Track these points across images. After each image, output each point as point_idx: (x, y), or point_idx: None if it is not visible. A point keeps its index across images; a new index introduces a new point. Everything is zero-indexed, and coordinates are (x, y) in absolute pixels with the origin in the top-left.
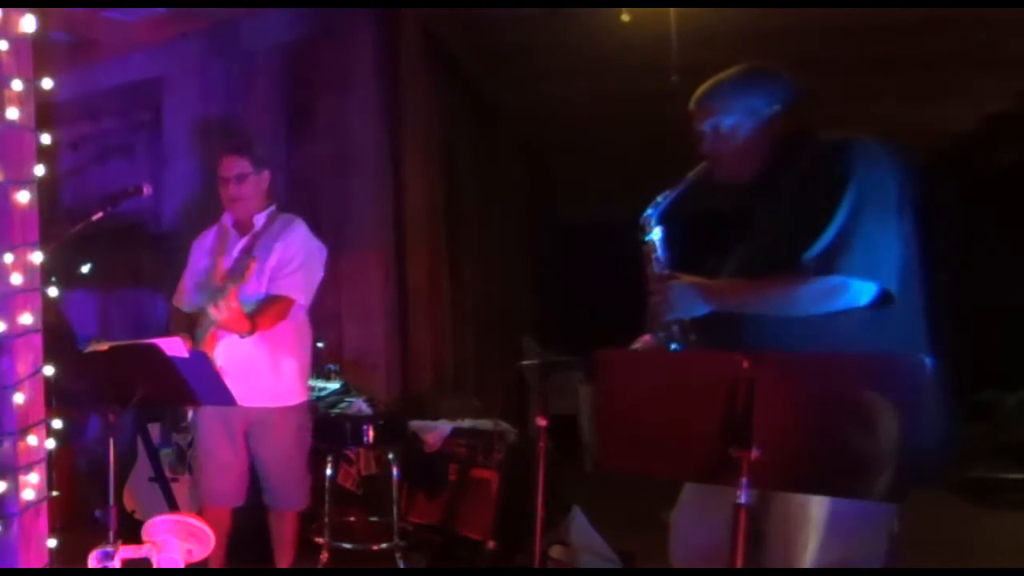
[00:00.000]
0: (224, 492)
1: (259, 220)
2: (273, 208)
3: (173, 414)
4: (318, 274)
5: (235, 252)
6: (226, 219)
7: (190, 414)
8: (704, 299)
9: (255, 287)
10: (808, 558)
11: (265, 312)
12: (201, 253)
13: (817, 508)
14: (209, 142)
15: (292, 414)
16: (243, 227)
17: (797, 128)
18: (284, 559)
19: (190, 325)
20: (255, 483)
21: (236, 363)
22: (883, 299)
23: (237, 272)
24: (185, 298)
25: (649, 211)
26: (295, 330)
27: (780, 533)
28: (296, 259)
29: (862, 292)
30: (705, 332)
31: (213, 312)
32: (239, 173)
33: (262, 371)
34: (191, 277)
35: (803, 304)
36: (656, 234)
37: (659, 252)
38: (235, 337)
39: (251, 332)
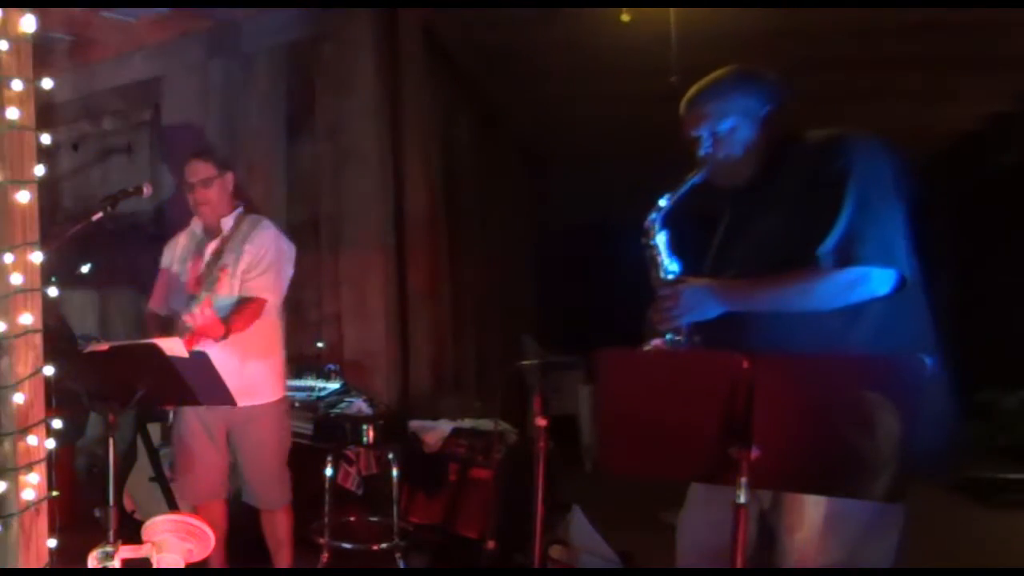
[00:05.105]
0: (211, 491)
1: (227, 223)
2: (241, 210)
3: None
4: (288, 272)
5: (207, 256)
6: (195, 224)
7: (171, 416)
8: (718, 300)
9: (228, 290)
10: (817, 556)
11: (239, 315)
12: (173, 258)
13: (826, 506)
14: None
15: (271, 411)
16: (212, 231)
17: (788, 128)
18: (282, 559)
19: (165, 328)
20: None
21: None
22: (900, 285)
23: (210, 279)
24: (160, 302)
25: (652, 216)
26: (269, 329)
27: (791, 531)
28: (265, 259)
29: (883, 280)
30: (709, 332)
31: (188, 320)
32: (204, 177)
33: (238, 371)
34: (166, 281)
35: (824, 298)
36: (660, 238)
37: (664, 256)
38: (209, 340)
39: (225, 336)
